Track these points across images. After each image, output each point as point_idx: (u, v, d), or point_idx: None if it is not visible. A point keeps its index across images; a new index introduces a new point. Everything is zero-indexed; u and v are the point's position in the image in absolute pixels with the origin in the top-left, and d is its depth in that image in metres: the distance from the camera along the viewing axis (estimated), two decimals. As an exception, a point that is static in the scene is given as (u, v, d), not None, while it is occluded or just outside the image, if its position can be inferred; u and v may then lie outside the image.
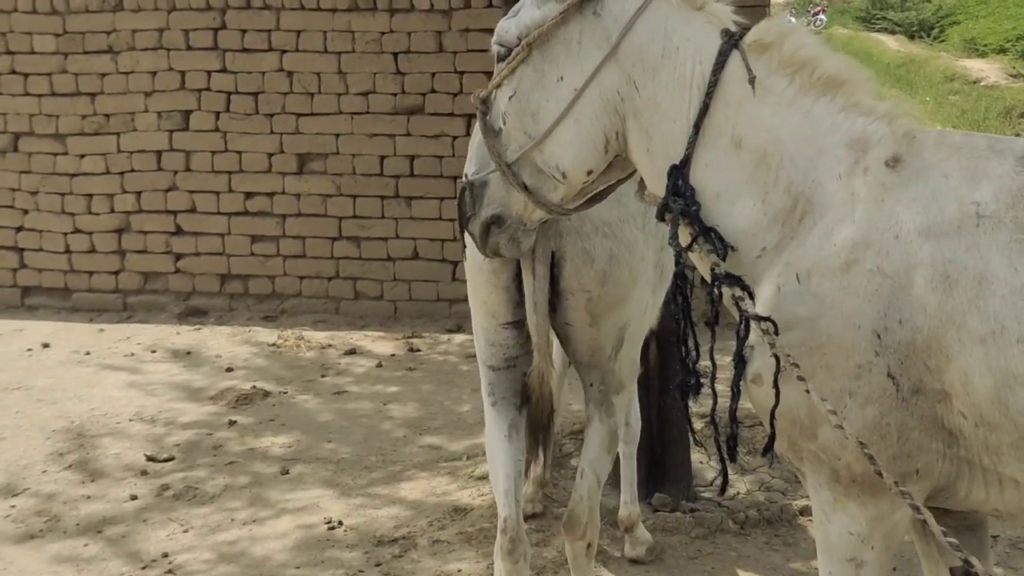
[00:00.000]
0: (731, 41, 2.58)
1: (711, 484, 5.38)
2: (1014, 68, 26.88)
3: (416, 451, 5.96)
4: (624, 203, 3.39)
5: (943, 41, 36.25)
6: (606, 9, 2.67)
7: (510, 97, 2.77)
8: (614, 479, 4.75)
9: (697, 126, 2.57)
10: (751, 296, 2.47)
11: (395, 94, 8.52)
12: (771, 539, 4.81)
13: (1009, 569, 4.48)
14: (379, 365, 7.54)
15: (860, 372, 2.35)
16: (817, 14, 46.72)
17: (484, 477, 5.46)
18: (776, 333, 2.38)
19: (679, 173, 2.59)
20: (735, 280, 2.49)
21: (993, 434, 2.24)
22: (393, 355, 7.79)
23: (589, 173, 2.77)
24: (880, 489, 2.39)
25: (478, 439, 6.07)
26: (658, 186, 2.68)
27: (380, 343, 8.09)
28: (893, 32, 39.28)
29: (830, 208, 2.43)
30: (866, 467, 2.37)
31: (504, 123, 2.78)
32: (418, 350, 7.91)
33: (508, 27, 2.77)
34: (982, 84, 24.73)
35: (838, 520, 2.50)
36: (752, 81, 2.54)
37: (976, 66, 28.35)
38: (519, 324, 3.51)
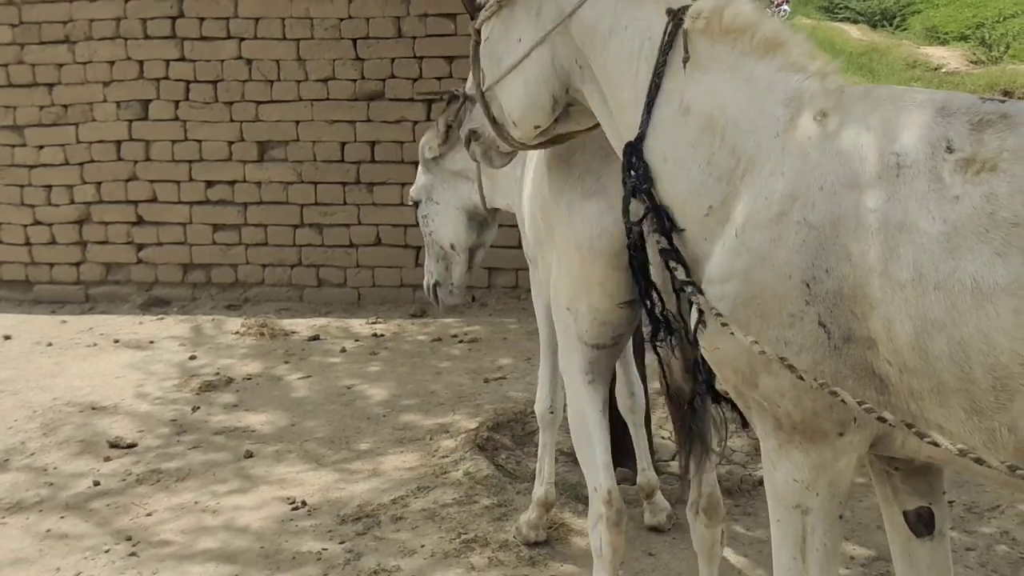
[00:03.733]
0: (675, 19, 2.72)
1: (673, 458, 5.42)
2: (975, 55, 27.10)
3: (379, 432, 5.96)
4: None
5: (905, 29, 36.49)
6: None
7: (485, 39, 3.07)
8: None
9: (650, 105, 2.70)
10: (686, 268, 2.60)
11: (355, 80, 8.52)
12: (731, 509, 4.83)
13: (964, 533, 4.52)
14: (343, 351, 7.54)
15: (793, 321, 2.40)
16: (780, 4, 46.88)
17: (448, 456, 5.48)
18: (701, 292, 2.51)
19: (634, 150, 2.72)
20: (674, 254, 2.61)
21: (915, 380, 2.28)
22: (357, 341, 7.79)
23: (536, 127, 3.05)
24: (821, 437, 2.45)
25: (444, 419, 6.09)
26: (618, 147, 2.86)
27: (344, 329, 8.09)
28: (855, 21, 39.50)
29: (766, 164, 2.50)
30: (805, 414, 2.44)
31: (481, 60, 3.11)
32: (382, 335, 7.92)
33: None
34: (943, 71, 24.93)
35: (783, 467, 2.55)
36: (685, 61, 2.68)
37: (937, 53, 28.55)
38: (634, 303, 3.43)
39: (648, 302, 2.88)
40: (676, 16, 2.72)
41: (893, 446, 2.50)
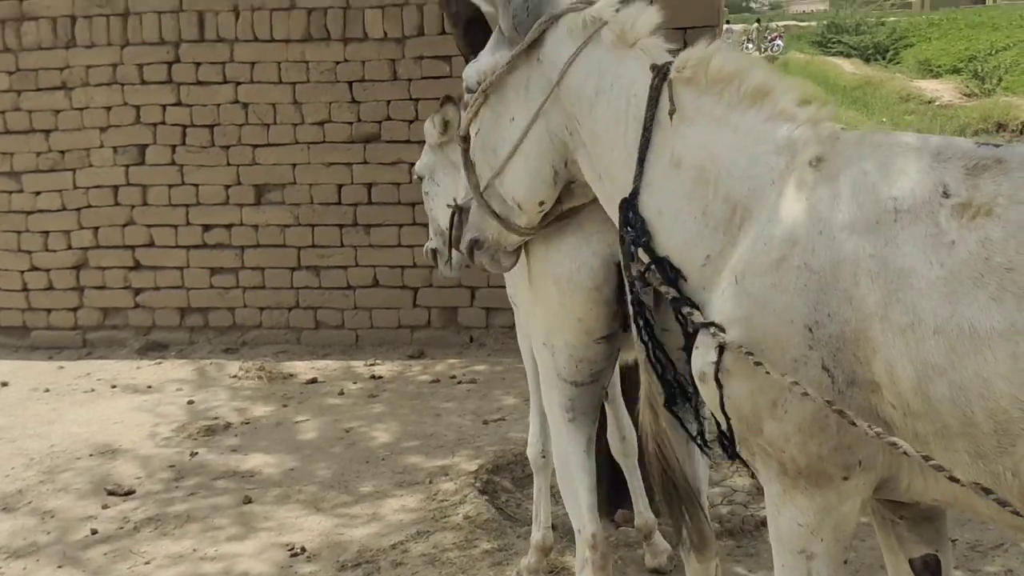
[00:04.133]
0: (660, 74, 2.77)
1: (674, 499, 5.39)
2: (968, 88, 27.31)
3: (379, 475, 5.93)
4: None
5: (898, 63, 36.80)
6: (547, 56, 2.94)
7: (475, 134, 3.08)
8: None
9: (642, 160, 2.74)
10: (699, 309, 2.61)
11: (351, 123, 8.54)
12: (733, 550, 4.81)
13: (968, 572, 4.50)
14: (342, 393, 7.52)
15: (797, 366, 2.40)
16: (774, 40, 47.37)
17: (448, 499, 5.45)
18: (723, 331, 2.50)
19: (629, 205, 2.76)
20: (686, 301, 2.63)
21: (919, 423, 2.29)
22: (356, 383, 7.77)
23: (541, 204, 3.08)
24: (827, 481, 2.46)
25: (444, 461, 6.07)
26: (612, 209, 2.89)
27: (342, 372, 8.07)
28: (849, 55, 39.84)
29: (763, 212, 2.52)
30: (810, 459, 2.44)
31: (475, 157, 3.10)
32: (381, 377, 7.90)
33: (470, 73, 3.10)
34: (937, 104, 25.10)
35: (787, 512, 2.54)
36: (672, 113, 2.72)
37: (931, 86, 28.78)
38: (611, 337, 3.44)
39: (658, 366, 2.86)
40: (661, 71, 2.76)
41: (899, 489, 2.50)
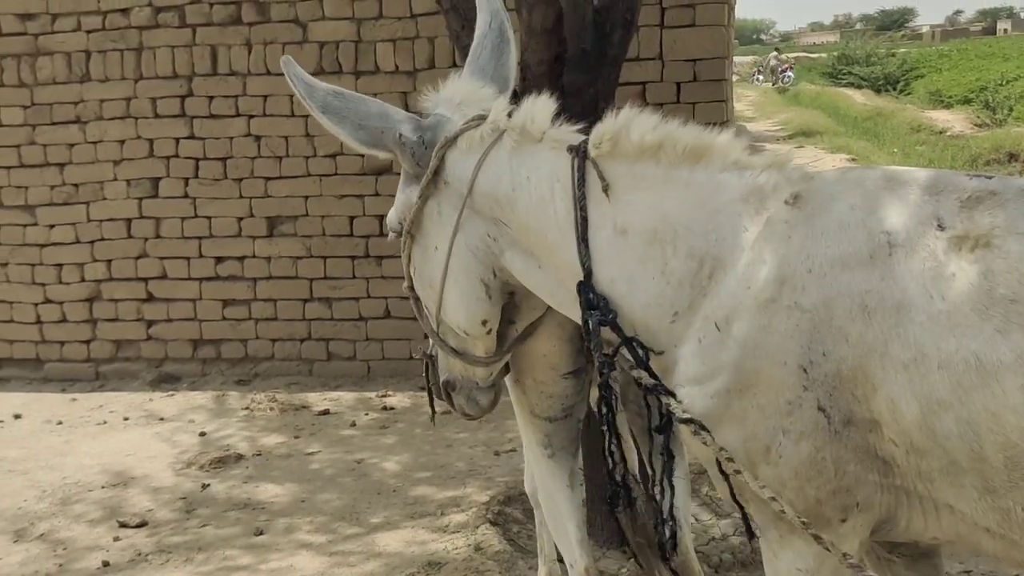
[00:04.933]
0: (579, 155, 2.72)
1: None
2: (979, 118, 27.29)
3: (390, 506, 5.93)
4: None
5: (909, 94, 36.82)
6: (453, 176, 2.88)
7: (415, 276, 3.04)
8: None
9: (584, 238, 2.68)
10: (674, 397, 2.55)
11: (362, 155, 8.54)
12: (745, 581, 4.80)
13: (983, 602, 4.48)
14: (353, 425, 7.52)
15: (791, 408, 2.37)
16: (785, 71, 47.47)
17: (459, 530, 5.44)
18: (708, 431, 2.46)
19: (587, 287, 2.68)
20: (662, 389, 2.57)
21: (924, 460, 2.26)
22: (368, 414, 7.77)
23: (484, 323, 2.98)
24: (824, 525, 2.41)
25: (456, 492, 6.05)
26: (558, 297, 2.84)
27: (354, 403, 8.07)
28: (859, 86, 39.88)
29: (740, 258, 2.48)
30: (808, 503, 2.40)
31: (422, 298, 3.07)
32: (393, 408, 7.90)
33: (391, 217, 3.09)
34: (948, 134, 25.07)
35: (785, 557, 2.51)
36: (606, 189, 2.68)
37: (942, 117, 28.76)
38: (579, 372, 3.44)
39: (611, 459, 2.82)
40: (579, 150, 2.73)
41: (897, 529, 2.46)
